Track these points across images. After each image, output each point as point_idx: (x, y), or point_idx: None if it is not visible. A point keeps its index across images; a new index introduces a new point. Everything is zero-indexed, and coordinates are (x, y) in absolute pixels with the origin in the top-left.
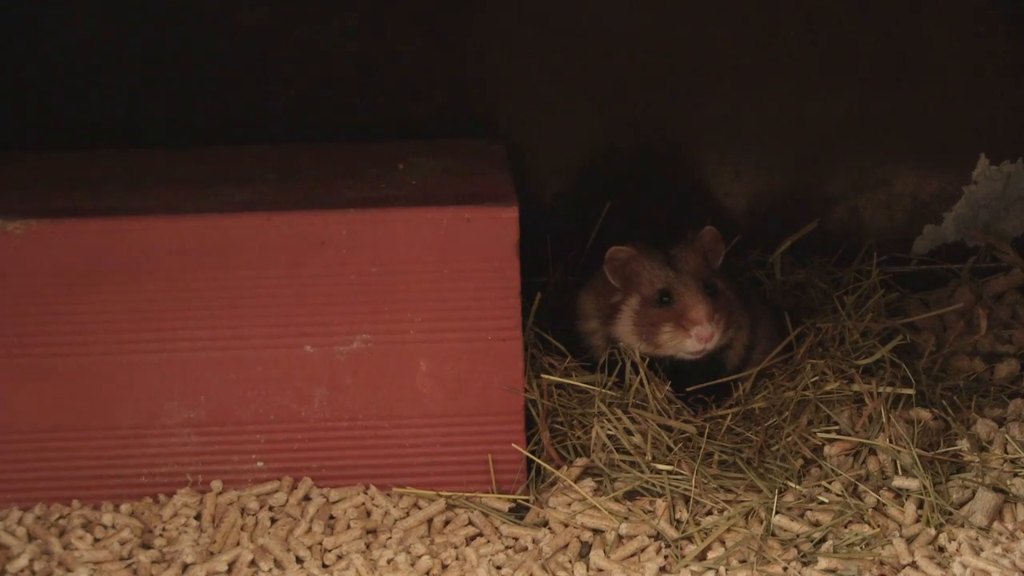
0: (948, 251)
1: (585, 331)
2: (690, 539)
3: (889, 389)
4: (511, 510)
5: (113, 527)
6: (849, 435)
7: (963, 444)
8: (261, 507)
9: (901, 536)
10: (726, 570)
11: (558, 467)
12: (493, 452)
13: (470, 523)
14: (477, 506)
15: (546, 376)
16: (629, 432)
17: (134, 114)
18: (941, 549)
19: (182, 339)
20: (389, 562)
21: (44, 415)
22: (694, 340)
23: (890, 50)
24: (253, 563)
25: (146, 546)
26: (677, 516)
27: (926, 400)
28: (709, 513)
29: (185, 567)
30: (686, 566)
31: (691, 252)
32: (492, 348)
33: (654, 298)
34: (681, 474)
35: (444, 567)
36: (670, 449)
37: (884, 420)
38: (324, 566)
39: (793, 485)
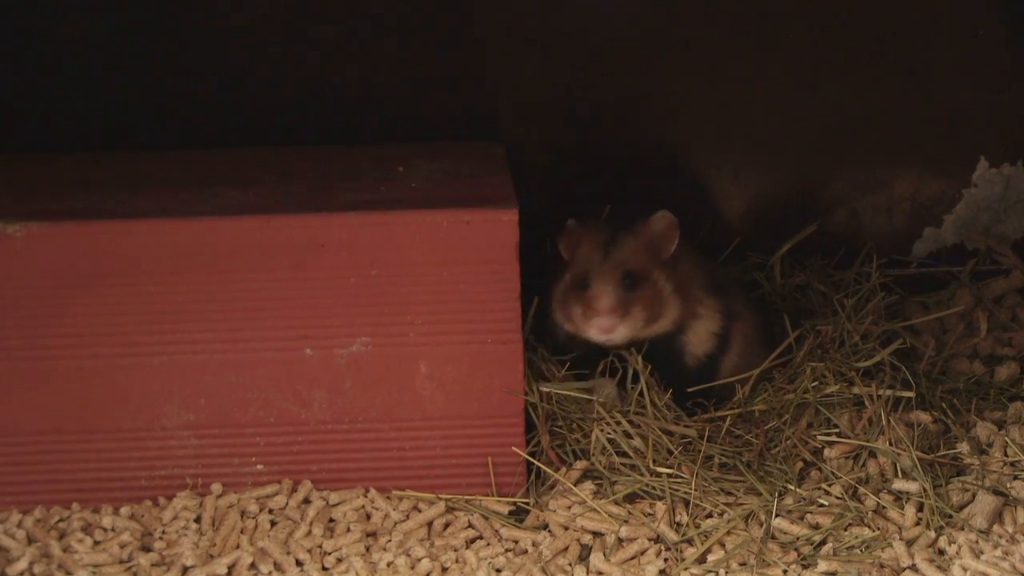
0: (948, 254)
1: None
2: (690, 542)
3: (889, 392)
4: (511, 513)
5: (113, 530)
6: (849, 438)
7: (963, 447)
8: (261, 510)
9: (901, 539)
10: (726, 573)
11: (558, 470)
12: (493, 455)
13: (470, 526)
14: (477, 509)
15: (545, 387)
16: (629, 435)
17: (134, 116)
18: (941, 552)
19: (182, 342)
20: (389, 565)
21: (44, 417)
22: (595, 330)
23: (890, 51)
24: (253, 566)
25: (146, 549)
26: (677, 519)
27: (926, 403)
28: (709, 516)
29: (185, 570)
30: (686, 569)
31: (632, 238)
32: (492, 351)
33: (577, 279)
34: (681, 477)
35: (444, 570)
36: (670, 452)
37: (884, 423)
38: (324, 569)
39: (793, 488)
